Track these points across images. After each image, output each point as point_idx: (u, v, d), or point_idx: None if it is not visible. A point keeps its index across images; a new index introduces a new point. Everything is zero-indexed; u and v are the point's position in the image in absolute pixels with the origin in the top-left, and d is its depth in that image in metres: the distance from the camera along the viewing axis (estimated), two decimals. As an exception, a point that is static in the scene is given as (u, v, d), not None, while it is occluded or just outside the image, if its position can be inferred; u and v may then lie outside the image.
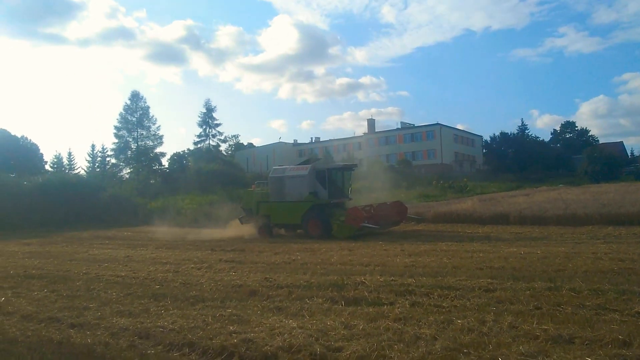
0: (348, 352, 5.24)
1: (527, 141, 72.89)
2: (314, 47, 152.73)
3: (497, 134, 73.96)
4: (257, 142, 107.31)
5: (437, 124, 72.21)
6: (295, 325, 6.50)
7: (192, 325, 6.94)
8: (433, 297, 8.30)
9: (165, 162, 73.95)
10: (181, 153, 76.78)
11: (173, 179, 54.10)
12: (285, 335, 6.00)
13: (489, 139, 76.74)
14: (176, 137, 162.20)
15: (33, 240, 30.53)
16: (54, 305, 9.40)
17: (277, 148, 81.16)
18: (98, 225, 37.22)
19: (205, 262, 15.37)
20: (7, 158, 61.04)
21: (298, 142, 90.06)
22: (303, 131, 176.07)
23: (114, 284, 11.87)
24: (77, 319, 7.94)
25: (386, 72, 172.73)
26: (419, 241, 19.35)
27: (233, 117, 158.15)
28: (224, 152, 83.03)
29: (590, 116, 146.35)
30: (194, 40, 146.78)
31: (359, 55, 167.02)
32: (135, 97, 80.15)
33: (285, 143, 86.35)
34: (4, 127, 74.86)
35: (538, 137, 77.36)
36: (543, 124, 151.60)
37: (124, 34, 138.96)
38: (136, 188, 47.27)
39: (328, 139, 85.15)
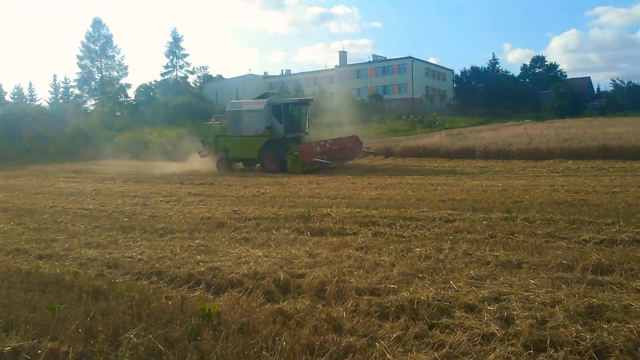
0: (310, 278, 5.49)
1: (497, 76, 72.98)
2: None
3: (468, 68, 74.02)
4: (226, 74, 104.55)
5: (409, 57, 71.39)
6: (261, 254, 6.72)
7: (160, 255, 7.10)
8: (395, 228, 8.62)
9: (131, 94, 71.86)
10: (148, 85, 74.51)
11: (140, 111, 52.86)
12: (251, 263, 6.22)
13: (460, 73, 76.83)
14: (140, 68, 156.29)
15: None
16: (21, 237, 9.42)
17: (247, 80, 79.27)
18: (63, 158, 36.48)
19: (174, 196, 15.43)
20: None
21: (268, 74, 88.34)
22: (274, 63, 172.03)
23: (81, 217, 11.88)
24: (44, 251, 8.01)
25: (359, 2, 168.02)
26: (385, 175, 19.76)
27: (199, 47, 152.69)
28: (192, 84, 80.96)
29: (561, 51, 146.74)
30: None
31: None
32: (98, 24, 76.73)
33: (256, 75, 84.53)
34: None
35: (508, 72, 77.57)
36: (514, 59, 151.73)
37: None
38: (102, 120, 46.09)
39: (299, 72, 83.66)
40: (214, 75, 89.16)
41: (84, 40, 76.15)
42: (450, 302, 4.68)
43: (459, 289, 4.99)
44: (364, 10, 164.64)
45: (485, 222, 8.62)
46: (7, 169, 32.73)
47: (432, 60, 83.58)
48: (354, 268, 5.91)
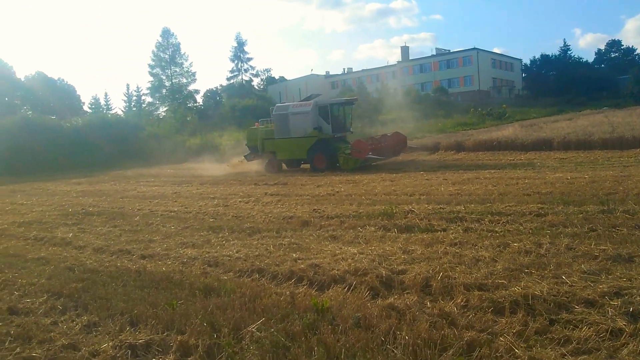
0: (412, 274, 5.51)
1: (569, 63, 69.76)
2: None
3: (538, 56, 71.14)
4: (288, 75, 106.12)
5: (474, 48, 69.50)
6: (355, 251, 6.80)
7: (257, 253, 7.33)
8: (484, 223, 8.46)
9: (199, 99, 74.48)
10: (214, 89, 76.95)
11: (208, 115, 54.57)
12: (349, 260, 6.31)
13: (528, 62, 73.98)
14: (206, 73, 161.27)
15: (82, 180, 31.78)
16: (120, 239, 9.98)
17: (309, 80, 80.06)
18: (140, 163, 38.25)
19: (251, 196, 15.81)
20: (47, 100, 62.43)
21: (330, 73, 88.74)
22: (333, 62, 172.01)
23: (169, 219, 12.41)
24: (145, 251, 8.45)
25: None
26: (460, 170, 19.40)
27: (261, 50, 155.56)
28: (257, 87, 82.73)
29: (636, 33, 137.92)
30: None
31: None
32: (167, 33, 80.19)
33: (317, 75, 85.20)
34: (40, 70, 76.29)
35: (581, 58, 73.95)
36: (586, 44, 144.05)
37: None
38: (173, 126, 48.00)
39: (361, 69, 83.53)
40: (277, 77, 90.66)
41: (155, 49, 79.93)
42: (567, 297, 4.55)
43: (573, 284, 4.84)
44: (423, 3, 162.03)
45: (581, 215, 8.28)
46: (91, 175, 34.76)
47: (497, 50, 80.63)
48: (454, 264, 5.87)
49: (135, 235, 10.30)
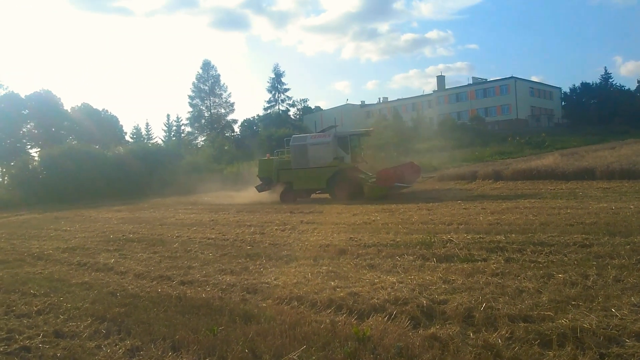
0: (454, 305, 5.41)
1: (610, 91, 68.26)
2: (377, 3, 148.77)
3: (578, 85, 69.93)
4: (323, 104, 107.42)
5: (512, 77, 68.88)
6: (394, 280, 6.73)
7: (295, 281, 7.33)
8: (527, 253, 8.26)
9: (237, 128, 76.09)
10: (251, 119, 78.58)
11: (245, 145, 55.48)
12: (388, 289, 6.24)
13: (568, 90, 72.76)
14: (243, 103, 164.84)
15: (122, 207, 32.60)
16: (160, 265, 10.14)
17: (344, 110, 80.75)
18: (178, 191, 39.02)
19: (287, 224, 15.89)
20: (91, 130, 64.78)
21: (365, 102, 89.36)
22: (368, 91, 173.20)
23: (207, 246, 12.56)
24: (185, 277, 8.56)
25: (454, 25, 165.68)
26: (499, 199, 19.11)
27: (297, 80, 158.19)
28: (293, 117, 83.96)
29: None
30: (256, 4, 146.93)
31: (425, 8, 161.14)
32: (207, 66, 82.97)
33: (353, 105, 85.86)
34: (86, 101, 79.48)
35: (623, 86, 72.29)
36: (627, 72, 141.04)
37: (186, 2, 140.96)
38: (212, 155, 48.98)
39: (396, 99, 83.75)
40: (313, 107, 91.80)
41: (195, 81, 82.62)
42: (617, 331, 4.38)
43: (624, 317, 4.66)
44: (459, 33, 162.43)
45: (628, 246, 8.00)
46: (130, 202, 35.62)
47: (535, 79, 79.79)
48: (496, 295, 5.73)
49: (175, 261, 10.45)
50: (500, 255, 8.22)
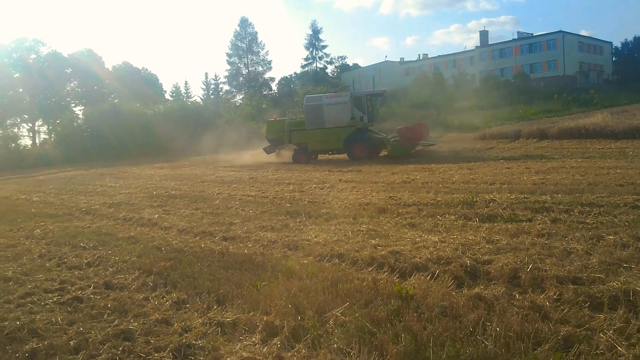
0: (499, 265, 5.31)
1: (666, 45, 64.53)
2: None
3: (630, 39, 66.15)
4: (361, 62, 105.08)
5: (560, 31, 65.47)
6: (436, 239, 6.65)
7: (335, 239, 7.35)
8: (574, 214, 8.00)
9: (274, 86, 75.93)
10: (289, 77, 78.07)
11: (283, 102, 55.30)
12: (430, 248, 6.18)
13: (619, 45, 69.02)
14: (280, 61, 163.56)
15: (164, 164, 33.32)
16: (202, 221, 10.34)
17: (382, 67, 78.99)
18: (218, 149, 39.48)
19: (326, 182, 15.89)
20: (132, 89, 65.77)
21: (404, 59, 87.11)
22: (407, 48, 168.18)
23: (247, 203, 12.72)
24: (227, 233, 8.71)
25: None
26: (543, 159, 18.61)
27: (334, 37, 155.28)
28: (330, 74, 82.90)
29: None
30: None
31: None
32: (244, 23, 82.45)
33: (392, 62, 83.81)
34: (126, 60, 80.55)
35: (679, 41, 68.04)
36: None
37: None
38: (249, 113, 49.15)
39: (436, 55, 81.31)
40: (351, 65, 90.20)
41: (233, 38, 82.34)
42: (674, 295, 4.21)
43: (680, 281, 4.47)
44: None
45: (684, 207, 7.65)
46: (172, 160, 36.35)
47: (584, 33, 75.50)
48: (543, 256, 5.59)
49: (216, 217, 10.64)
50: (545, 216, 8.00)
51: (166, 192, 16.34)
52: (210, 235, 8.79)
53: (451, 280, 5.09)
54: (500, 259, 5.56)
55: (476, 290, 4.75)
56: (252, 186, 16.69)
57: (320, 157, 27.10)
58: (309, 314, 4.41)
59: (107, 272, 6.64)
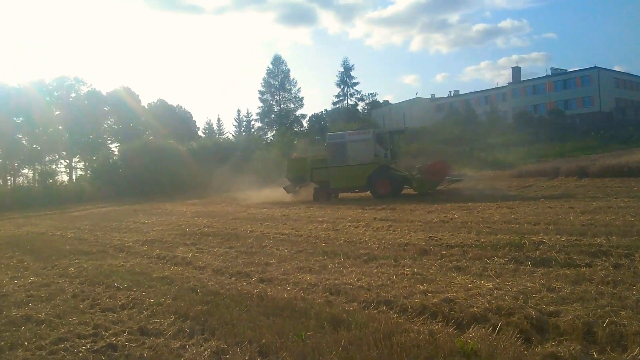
0: (569, 318, 4.80)
1: None
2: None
3: (668, 74, 64.70)
4: (390, 99, 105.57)
5: (595, 67, 64.52)
6: (490, 286, 6.17)
7: (379, 283, 6.93)
8: (636, 259, 7.41)
9: (305, 123, 76.66)
10: (319, 114, 78.76)
11: (314, 140, 55.44)
12: (487, 296, 5.70)
13: (658, 80, 67.61)
14: (310, 98, 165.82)
15: (196, 201, 33.50)
16: (237, 260, 10.05)
17: (413, 104, 79.02)
18: (249, 186, 39.54)
19: (360, 221, 15.50)
20: (166, 126, 67.24)
21: (435, 96, 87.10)
22: (437, 85, 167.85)
23: (281, 241, 12.40)
24: (264, 274, 8.37)
25: (529, 14, 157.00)
26: (587, 198, 17.90)
27: (364, 74, 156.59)
28: (361, 111, 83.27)
29: None
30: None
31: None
32: (277, 60, 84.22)
33: (422, 98, 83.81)
34: (161, 98, 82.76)
35: None
36: None
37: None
38: (281, 150, 49.41)
39: (468, 92, 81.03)
40: (381, 101, 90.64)
41: (265, 76, 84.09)
42: None
43: None
44: (535, 22, 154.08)
45: None
46: (203, 196, 36.55)
47: (618, 69, 74.24)
48: (615, 307, 5.06)
49: (251, 257, 10.34)
50: (605, 261, 7.43)
51: (199, 229, 16.20)
52: (247, 276, 8.47)
53: (517, 335, 4.61)
54: (568, 310, 5.05)
55: (549, 347, 4.27)
56: (285, 224, 16.42)
57: (342, 195, 26.86)
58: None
59: (142, 316, 6.35)
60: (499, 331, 4.76)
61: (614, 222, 11.59)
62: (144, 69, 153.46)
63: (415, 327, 5.02)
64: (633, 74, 72.87)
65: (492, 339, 4.53)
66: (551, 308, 5.19)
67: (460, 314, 5.28)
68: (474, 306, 5.37)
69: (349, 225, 14.67)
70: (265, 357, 4.60)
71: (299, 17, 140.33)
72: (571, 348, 4.19)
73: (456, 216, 15.02)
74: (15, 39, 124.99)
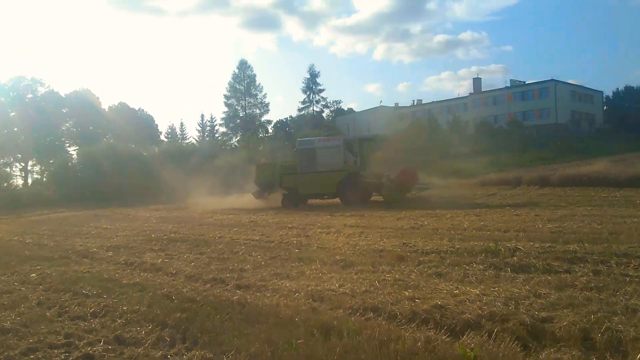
0: (564, 324, 4.77)
1: (656, 95, 65.83)
2: (410, 3, 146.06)
3: (621, 88, 67.63)
4: (354, 107, 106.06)
5: (552, 80, 66.73)
6: (477, 292, 6.12)
7: (363, 289, 6.79)
8: (612, 265, 7.52)
9: (270, 129, 76.33)
10: (284, 120, 78.57)
11: (279, 146, 55.22)
12: (477, 302, 5.63)
13: (610, 94, 70.55)
14: (274, 104, 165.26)
15: (159, 206, 32.72)
16: (210, 267, 9.73)
17: (377, 112, 79.62)
18: (214, 191, 38.78)
19: (331, 227, 15.38)
20: (127, 130, 65.59)
21: (399, 105, 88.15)
22: (399, 94, 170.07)
23: (253, 247, 12.13)
24: (240, 281, 8.11)
25: (489, 26, 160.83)
26: (550, 206, 18.35)
27: (329, 82, 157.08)
28: (325, 118, 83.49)
29: None
30: (288, 4, 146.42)
31: (459, 9, 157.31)
32: (243, 65, 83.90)
33: (386, 107, 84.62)
34: (122, 101, 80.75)
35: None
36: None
37: (218, 2, 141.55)
38: (247, 155, 48.93)
39: (430, 101, 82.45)
40: (346, 109, 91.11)
41: (231, 80, 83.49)
42: None
43: None
44: (494, 34, 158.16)
45: None
46: (167, 202, 35.72)
47: (572, 82, 76.95)
48: (606, 313, 5.07)
49: (224, 263, 10.05)
50: (583, 267, 7.51)
51: (165, 235, 15.74)
52: (222, 282, 8.19)
53: (513, 341, 4.54)
54: (561, 316, 5.03)
55: (548, 354, 4.20)
56: (254, 230, 16.15)
57: (310, 202, 26.70)
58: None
59: (116, 324, 6.00)
60: (495, 338, 4.67)
61: (582, 229, 11.84)
62: (105, 70, 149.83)
63: (408, 334, 4.89)
64: (587, 87, 75.81)
65: (489, 345, 4.44)
66: (543, 314, 5.16)
67: (453, 320, 5.18)
68: (466, 312, 5.29)
69: (320, 232, 14.52)
70: (256, 367, 4.38)
71: (263, 22, 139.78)
72: (571, 355, 4.14)
73: (426, 223, 15.09)
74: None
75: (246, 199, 29.30)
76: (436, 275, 7.80)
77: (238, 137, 75.30)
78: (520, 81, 74.18)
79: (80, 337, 5.48)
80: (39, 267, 10.48)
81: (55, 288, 8.39)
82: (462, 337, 4.77)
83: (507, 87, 73.45)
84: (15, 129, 65.66)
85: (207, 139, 79.82)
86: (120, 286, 8.23)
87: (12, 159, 67.20)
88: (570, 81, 77.16)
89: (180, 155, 47.46)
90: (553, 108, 65.63)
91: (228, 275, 8.66)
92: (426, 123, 59.43)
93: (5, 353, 5.05)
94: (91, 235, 17.24)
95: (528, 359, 4.18)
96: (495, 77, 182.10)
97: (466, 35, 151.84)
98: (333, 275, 8.09)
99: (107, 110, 75.73)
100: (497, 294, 5.98)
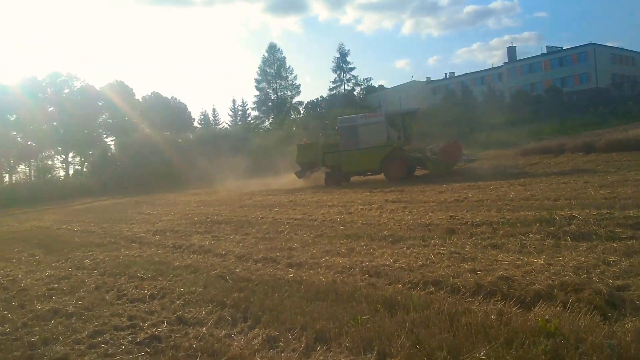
0: (642, 292, 4.52)
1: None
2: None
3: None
4: (385, 84, 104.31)
5: (591, 44, 64.03)
6: (542, 262, 5.88)
7: (419, 263, 6.63)
8: (681, 231, 7.14)
9: (302, 110, 76.09)
10: (315, 100, 78.11)
11: (311, 126, 54.94)
12: (545, 273, 5.40)
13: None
14: (303, 86, 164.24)
15: (198, 190, 33.11)
16: (257, 247, 9.72)
17: (409, 88, 78.27)
18: (250, 174, 39.05)
19: (372, 204, 15.20)
20: (162, 118, 66.43)
21: (431, 79, 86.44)
22: (430, 68, 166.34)
23: (298, 226, 12.09)
24: (291, 259, 8.06)
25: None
26: (599, 172, 17.66)
27: (357, 60, 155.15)
28: (357, 96, 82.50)
29: None
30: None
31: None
32: (273, 48, 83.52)
33: (418, 82, 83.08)
34: (155, 90, 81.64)
35: None
36: None
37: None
38: (280, 138, 48.96)
39: (463, 73, 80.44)
40: (377, 86, 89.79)
41: (261, 64, 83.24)
42: None
43: None
44: (526, 1, 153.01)
45: None
46: (205, 186, 36.14)
47: (611, 44, 73.54)
48: (686, 279, 4.79)
49: (271, 242, 10.04)
50: (649, 234, 7.15)
51: (208, 218, 15.87)
52: (273, 261, 8.16)
53: (591, 311, 4.31)
54: (638, 283, 4.77)
55: (635, 323, 3.97)
56: (294, 209, 16.11)
57: (352, 179, 26.54)
58: (441, 355, 3.69)
59: (175, 305, 6.03)
60: (570, 309, 4.45)
61: (638, 194, 11.33)
62: (137, 62, 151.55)
63: (476, 306, 4.71)
64: (628, 49, 72.52)
65: (566, 316, 4.24)
66: (618, 282, 4.91)
67: (522, 291, 4.97)
68: (535, 283, 5.07)
69: (362, 208, 14.36)
70: (324, 343, 4.28)
71: (288, 5, 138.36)
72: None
73: (470, 195, 14.74)
74: (7, 38, 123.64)
75: (283, 180, 29.40)
76: (492, 246, 7.57)
77: (270, 120, 75.40)
78: (557, 47, 71.44)
79: (144, 319, 5.53)
80: (91, 253, 10.71)
81: (110, 272, 8.54)
82: (535, 308, 4.57)
83: (543, 54, 70.84)
84: (55, 123, 67.58)
85: (239, 123, 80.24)
86: (173, 268, 8.30)
87: (53, 152, 69.33)
88: (609, 44, 73.92)
89: (214, 140, 47.84)
90: (593, 72, 63.05)
91: (278, 254, 8.63)
92: (459, 95, 58.25)
93: (73, 337, 5.12)
94: (136, 221, 17.56)
95: (614, 329, 3.94)
96: (530, 45, 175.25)
97: (497, 4, 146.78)
98: (384, 251, 7.94)
99: (140, 100, 76.90)
100: (564, 264, 5.73)
